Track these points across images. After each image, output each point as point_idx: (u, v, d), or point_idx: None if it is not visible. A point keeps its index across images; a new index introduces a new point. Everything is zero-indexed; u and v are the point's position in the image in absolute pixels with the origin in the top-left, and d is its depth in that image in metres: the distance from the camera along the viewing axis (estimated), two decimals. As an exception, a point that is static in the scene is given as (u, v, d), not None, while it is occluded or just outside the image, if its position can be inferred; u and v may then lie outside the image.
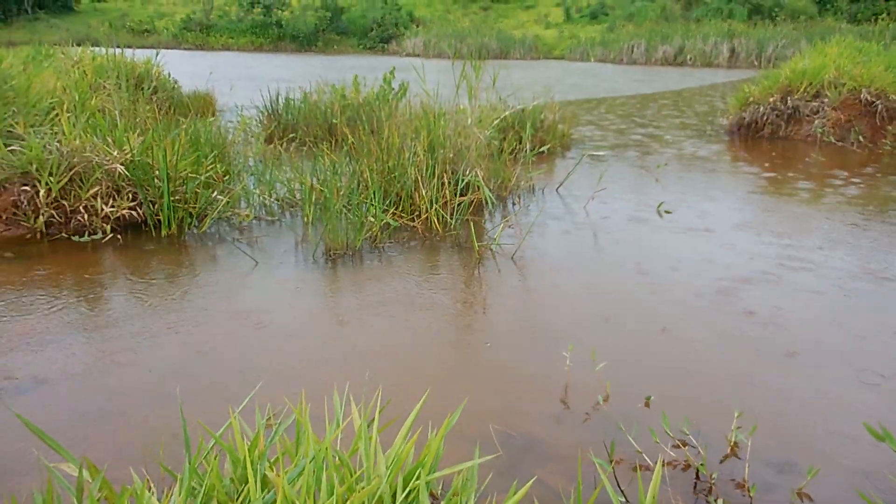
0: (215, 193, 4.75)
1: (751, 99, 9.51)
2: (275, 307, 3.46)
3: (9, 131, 4.79)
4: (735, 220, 5.19)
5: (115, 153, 4.51)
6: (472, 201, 5.21)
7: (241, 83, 14.72)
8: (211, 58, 29.07)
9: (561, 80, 19.93)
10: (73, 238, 4.28)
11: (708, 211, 5.49)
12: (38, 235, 4.30)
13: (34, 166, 4.32)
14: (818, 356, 3.00)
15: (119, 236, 4.38)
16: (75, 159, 4.40)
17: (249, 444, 1.50)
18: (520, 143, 6.83)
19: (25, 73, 6.26)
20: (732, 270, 4.06)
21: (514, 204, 5.71)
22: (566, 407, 2.57)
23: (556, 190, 6.16)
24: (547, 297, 3.67)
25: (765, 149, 8.50)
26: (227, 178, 5.09)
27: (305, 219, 4.87)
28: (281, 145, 7.48)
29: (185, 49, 36.70)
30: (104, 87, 8.00)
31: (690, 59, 28.64)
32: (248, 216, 4.78)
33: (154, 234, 4.50)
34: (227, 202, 4.75)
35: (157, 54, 10.04)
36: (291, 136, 7.80)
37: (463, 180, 5.16)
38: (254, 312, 3.38)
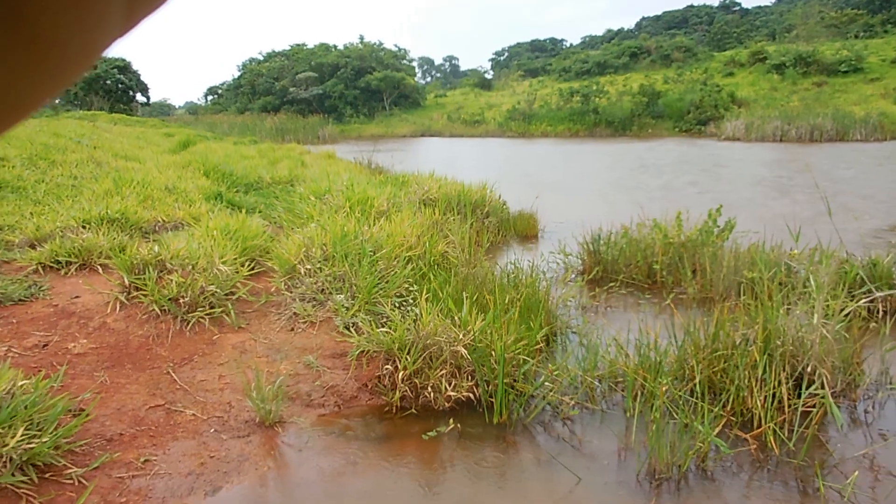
0: (543, 379, 4.99)
1: None
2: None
3: (378, 310, 5.66)
4: None
5: (460, 335, 5.03)
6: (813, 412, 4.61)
7: (563, 188, 15.42)
8: (531, 147, 31.13)
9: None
10: (422, 428, 4.78)
11: None
12: (394, 409, 4.95)
13: (396, 346, 5.03)
14: None
15: (458, 423, 4.67)
16: (429, 341, 5.01)
17: None
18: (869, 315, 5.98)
19: (387, 227, 7.35)
20: None
21: (866, 412, 4.93)
22: None
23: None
24: None
25: None
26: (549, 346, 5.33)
27: (627, 412, 4.80)
28: (601, 294, 7.61)
29: (508, 137, 39.97)
30: (447, 225, 9.03)
31: None
32: (574, 410, 4.87)
33: (486, 416, 4.83)
34: (553, 389, 4.95)
35: (508, 206, 11.08)
36: (611, 283, 7.88)
37: (806, 391, 4.64)
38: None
